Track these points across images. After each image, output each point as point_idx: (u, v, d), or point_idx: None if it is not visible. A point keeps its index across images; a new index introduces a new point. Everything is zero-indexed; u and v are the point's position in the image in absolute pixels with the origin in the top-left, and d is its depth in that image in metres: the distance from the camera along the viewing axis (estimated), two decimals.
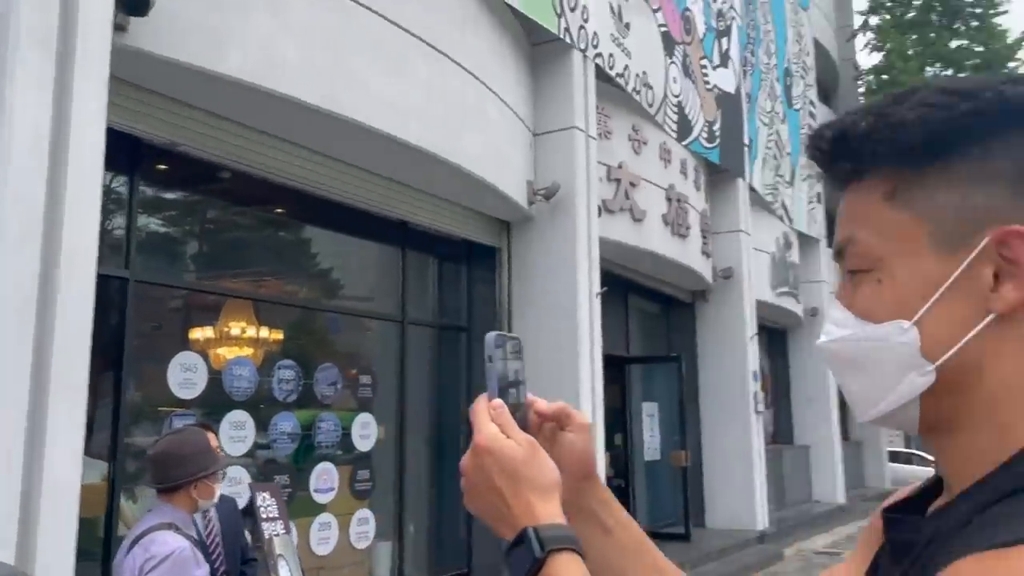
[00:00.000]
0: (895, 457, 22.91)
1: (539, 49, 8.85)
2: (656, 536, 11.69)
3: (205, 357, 5.99)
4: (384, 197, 7.41)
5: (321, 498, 6.80)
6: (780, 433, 17.52)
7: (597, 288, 8.70)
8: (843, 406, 19.80)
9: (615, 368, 12.14)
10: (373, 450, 7.44)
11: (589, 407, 8.29)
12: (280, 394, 6.56)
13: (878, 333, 0.69)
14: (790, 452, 16.86)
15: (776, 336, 17.73)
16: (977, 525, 0.61)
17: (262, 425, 6.39)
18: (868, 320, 0.69)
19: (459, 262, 8.91)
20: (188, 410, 5.71)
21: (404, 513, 7.65)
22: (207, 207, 6.64)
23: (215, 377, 6.01)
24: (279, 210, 7.17)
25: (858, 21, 22.79)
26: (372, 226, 7.77)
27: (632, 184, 10.11)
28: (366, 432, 7.35)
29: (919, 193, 0.68)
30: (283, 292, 7.31)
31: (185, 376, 5.74)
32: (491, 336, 0.85)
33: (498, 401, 0.82)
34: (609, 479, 12.05)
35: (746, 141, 13.91)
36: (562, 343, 8.35)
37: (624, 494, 12.03)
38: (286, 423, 6.56)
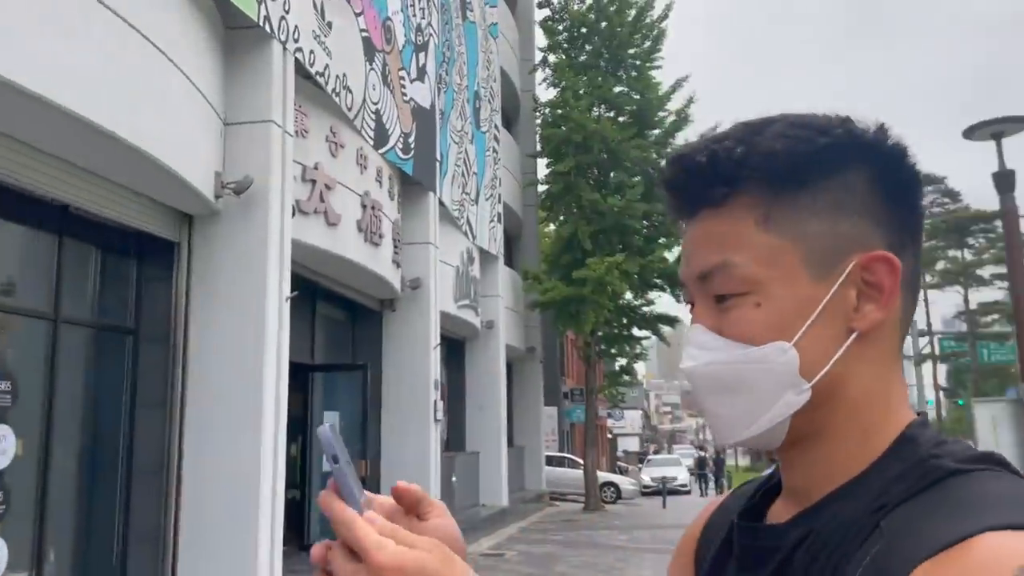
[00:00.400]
0: (550, 461, 24.94)
1: (236, 34, 8.26)
2: None
3: None
4: (41, 175, 6.38)
5: None
6: (453, 440, 18.16)
7: (287, 291, 8.30)
8: (508, 413, 21.13)
9: (299, 376, 11.72)
10: (10, 468, 6.33)
11: (272, 417, 7.86)
12: None
13: (758, 355, 0.70)
14: (462, 458, 17.53)
15: (454, 346, 18.39)
16: (911, 520, 0.63)
17: None
18: (745, 343, 0.70)
19: (129, 255, 7.98)
20: None
21: (45, 539, 6.60)
22: None
23: None
24: None
25: (539, 56, 24.67)
26: (23, 208, 6.66)
27: (328, 187, 9.85)
28: (1, 447, 6.23)
29: (792, 219, 0.71)
30: None
31: None
32: (325, 430, 0.68)
33: (371, 513, 0.65)
34: None
35: (438, 156, 14.29)
36: (247, 348, 7.82)
37: (299, 507, 11.62)
38: None
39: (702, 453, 46.68)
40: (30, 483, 6.61)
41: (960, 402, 45.73)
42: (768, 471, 0.86)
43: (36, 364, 6.83)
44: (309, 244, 9.32)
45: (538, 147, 23.78)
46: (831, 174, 0.71)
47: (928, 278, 50.36)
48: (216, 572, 7.50)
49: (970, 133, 9.39)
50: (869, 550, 0.63)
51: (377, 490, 9.00)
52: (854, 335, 0.70)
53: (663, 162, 0.78)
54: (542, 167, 24.82)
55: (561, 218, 23.38)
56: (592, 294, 20.39)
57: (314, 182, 9.58)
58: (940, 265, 50.41)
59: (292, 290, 8.42)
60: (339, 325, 13.23)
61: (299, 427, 11.73)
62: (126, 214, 7.42)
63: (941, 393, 49.82)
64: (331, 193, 9.92)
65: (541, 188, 24.14)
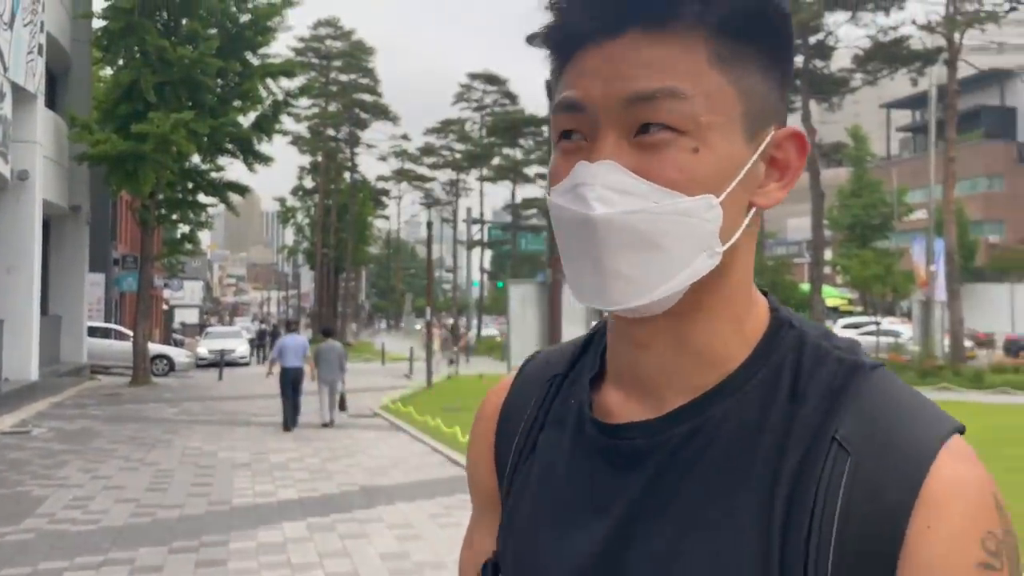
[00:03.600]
0: (93, 332, 22.80)
1: None
2: None
3: None
4: None
5: None
6: None
7: None
8: (45, 278, 18.67)
9: None
10: None
11: None
12: None
13: (685, 206, 0.62)
14: None
15: None
16: (875, 433, 0.61)
17: None
18: (675, 191, 0.62)
19: None
20: None
21: None
22: None
23: None
24: None
25: None
26: None
27: None
28: None
29: (741, 67, 0.63)
30: None
31: None
32: None
33: None
34: None
35: None
36: None
37: None
38: None
39: (263, 326, 46.78)
40: None
41: (500, 284, 52.19)
42: (548, 355, 0.80)
43: None
44: None
45: None
46: (775, 34, 0.65)
47: (484, 171, 55.71)
48: None
49: (531, 40, 10.33)
50: (832, 465, 0.60)
51: None
52: (753, 211, 0.66)
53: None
54: None
55: (120, 62, 20.66)
56: (153, 152, 18.61)
57: None
58: (496, 160, 55.97)
59: None
60: None
61: None
62: None
63: (485, 276, 56.29)
64: None
65: (97, 23, 20.96)
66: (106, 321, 24.88)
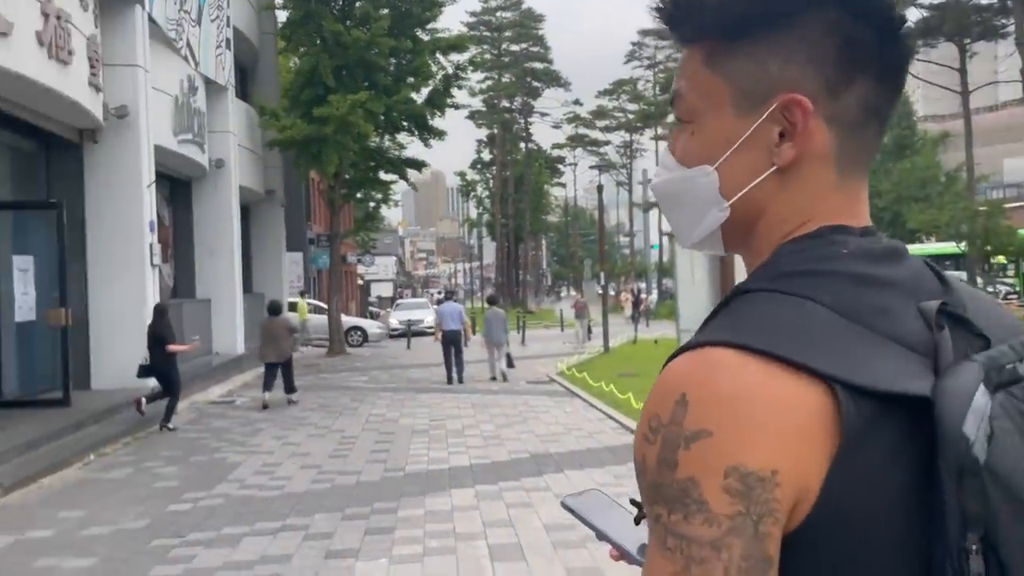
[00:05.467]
0: (293, 308, 24.37)
1: None
2: (32, 404, 10.42)
3: None
4: None
5: None
6: (181, 287, 17.03)
7: None
8: (246, 259, 20.14)
9: None
10: None
11: None
12: None
13: (689, 174, 0.81)
14: (191, 306, 16.53)
15: (179, 186, 16.88)
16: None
17: None
18: (684, 164, 0.82)
19: None
20: None
21: None
22: None
23: None
24: None
25: None
26: None
27: None
28: None
29: (728, 61, 0.78)
30: None
31: None
32: (569, 503, 1.05)
33: None
34: None
35: None
36: None
37: None
38: None
39: (439, 296, 48.44)
40: None
41: None
42: None
43: None
44: None
45: None
46: (769, 22, 0.77)
47: (659, 130, 54.12)
48: None
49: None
50: None
51: (87, 345, 8.19)
52: (772, 168, 0.77)
53: None
54: None
55: (302, 50, 21.75)
56: (335, 134, 19.44)
57: None
58: (670, 118, 54.24)
59: None
60: (27, 157, 11.47)
61: None
62: None
63: (664, 238, 54.97)
64: None
65: (281, 15, 22.15)
66: (306, 298, 26.59)
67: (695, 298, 7.76)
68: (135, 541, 5.62)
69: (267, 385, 12.27)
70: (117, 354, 11.85)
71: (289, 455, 8.70)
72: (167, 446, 9.35)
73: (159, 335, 10.38)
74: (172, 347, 10.41)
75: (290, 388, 12.56)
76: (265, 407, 12.01)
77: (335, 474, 7.69)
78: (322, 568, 4.97)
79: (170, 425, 10.33)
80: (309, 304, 25.69)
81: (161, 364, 10.32)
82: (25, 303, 10.63)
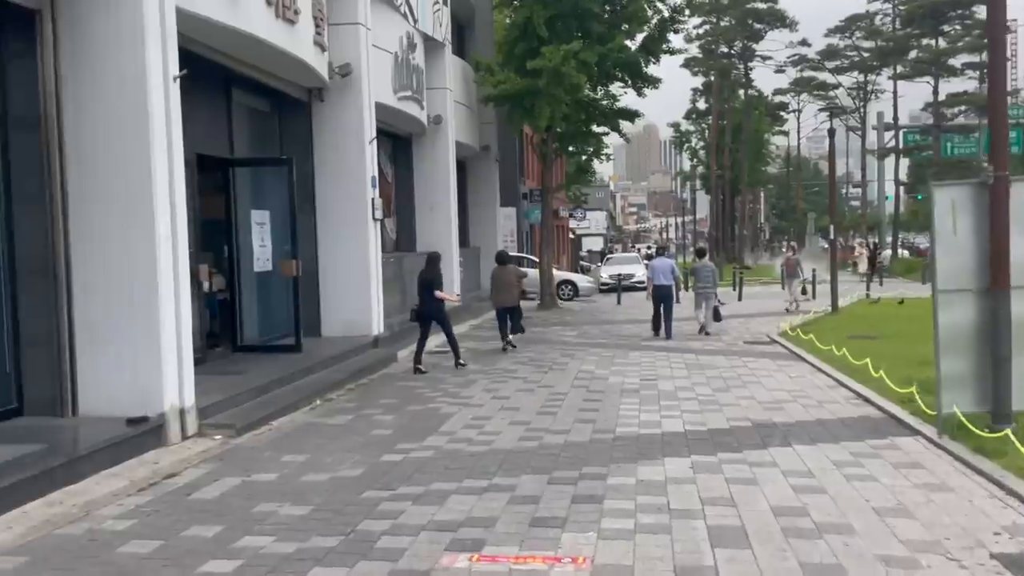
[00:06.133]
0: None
1: None
2: (267, 350, 11.17)
3: None
4: None
5: None
6: (403, 240, 17.66)
7: (175, 70, 7.27)
8: (462, 213, 20.55)
9: (217, 171, 10.86)
10: None
11: (166, 211, 7.11)
12: None
13: None
14: (412, 258, 17.10)
15: (400, 143, 17.41)
16: None
17: None
18: None
19: None
20: None
21: None
22: None
23: None
24: None
25: None
26: None
27: None
28: None
29: None
30: None
31: None
32: None
33: None
34: (213, 294, 11.07)
35: None
36: (128, 135, 6.93)
37: (231, 308, 11.16)
38: None
39: (649, 251, 47.27)
40: None
41: (919, 196, 46.03)
42: None
43: None
44: (201, 15, 8.13)
45: None
46: None
47: (898, 68, 49.02)
48: (119, 374, 7.06)
49: None
50: None
51: (316, 295, 8.51)
52: None
53: None
54: None
55: (516, 3, 21.60)
56: (547, 86, 19.16)
57: None
58: (912, 54, 48.89)
59: (184, 71, 7.38)
60: (262, 117, 12.16)
61: (223, 227, 11.02)
62: None
63: (901, 188, 50.10)
64: None
65: None
66: (519, 251, 26.90)
67: (957, 252, 6.64)
68: (348, 491, 5.69)
69: (505, 329, 13.35)
70: (344, 303, 12.45)
71: (498, 408, 8.63)
72: (386, 394, 9.63)
73: (430, 281, 11.33)
74: (440, 294, 11.46)
75: (517, 329, 13.74)
76: (505, 350, 13.07)
77: (543, 432, 7.49)
78: (527, 536, 4.72)
79: (461, 361, 11.44)
80: (522, 258, 25.97)
81: (431, 308, 11.34)
82: (262, 255, 11.35)
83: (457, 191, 18.69)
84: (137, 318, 7.02)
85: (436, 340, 14.82)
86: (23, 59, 6.91)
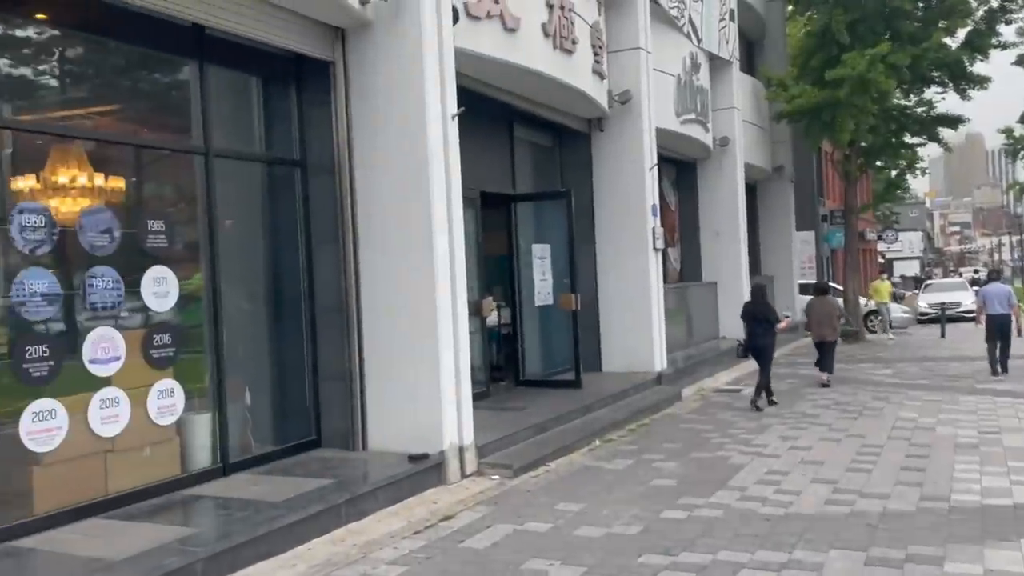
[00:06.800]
0: (805, 290, 22.77)
1: None
2: (547, 385, 11.00)
3: None
4: None
5: (100, 370, 5.57)
6: (687, 270, 16.88)
7: (453, 108, 7.31)
8: (753, 240, 19.25)
9: (500, 208, 10.97)
10: (175, 309, 6.18)
11: (445, 248, 7.11)
12: (25, 245, 5.16)
13: None
14: (697, 289, 16.26)
15: (685, 168, 16.72)
16: None
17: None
18: None
19: (283, 80, 7.36)
20: None
21: (224, 380, 6.51)
22: None
23: None
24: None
25: None
26: (155, 34, 6.16)
27: None
28: (162, 288, 6.05)
29: None
30: (34, 119, 5.76)
31: None
32: None
33: None
34: (498, 327, 11.19)
35: None
36: (407, 174, 7.05)
37: (512, 343, 11.17)
38: (39, 281, 5.20)
39: (975, 275, 41.21)
40: (201, 324, 6.48)
41: None
42: None
43: (190, 202, 6.56)
44: (481, 54, 8.18)
45: None
46: None
47: None
48: (402, 410, 7.15)
49: None
50: None
51: (597, 328, 8.17)
52: None
53: None
54: None
55: (808, 13, 20.00)
56: (850, 96, 17.37)
57: None
58: None
59: (461, 108, 7.41)
60: (543, 151, 12.16)
61: (505, 262, 11.10)
62: (271, 32, 6.72)
63: None
64: None
65: None
66: (818, 278, 24.75)
67: None
68: (623, 553, 5.10)
69: (824, 364, 12.34)
70: (625, 338, 11.98)
71: (798, 462, 7.55)
72: (669, 437, 8.93)
73: (763, 314, 10.77)
74: (781, 326, 10.98)
75: (828, 368, 12.45)
76: (824, 385, 12.13)
77: (855, 495, 6.33)
78: None
79: (759, 404, 10.48)
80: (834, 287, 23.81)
81: (764, 342, 10.74)
82: (543, 288, 11.26)
83: (746, 216, 17.52)
84: (418, 355, 7.08)
85: (727, 376, 13.82)
86: (320, 108, 7.33)
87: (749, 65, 20.07)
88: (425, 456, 6.91)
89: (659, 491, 6.63)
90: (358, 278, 7.31)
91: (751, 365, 15.04)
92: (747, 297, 16.76)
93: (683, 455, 7.98)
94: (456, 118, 7.33)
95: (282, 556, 5.21)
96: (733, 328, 16.62)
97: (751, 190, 19.56)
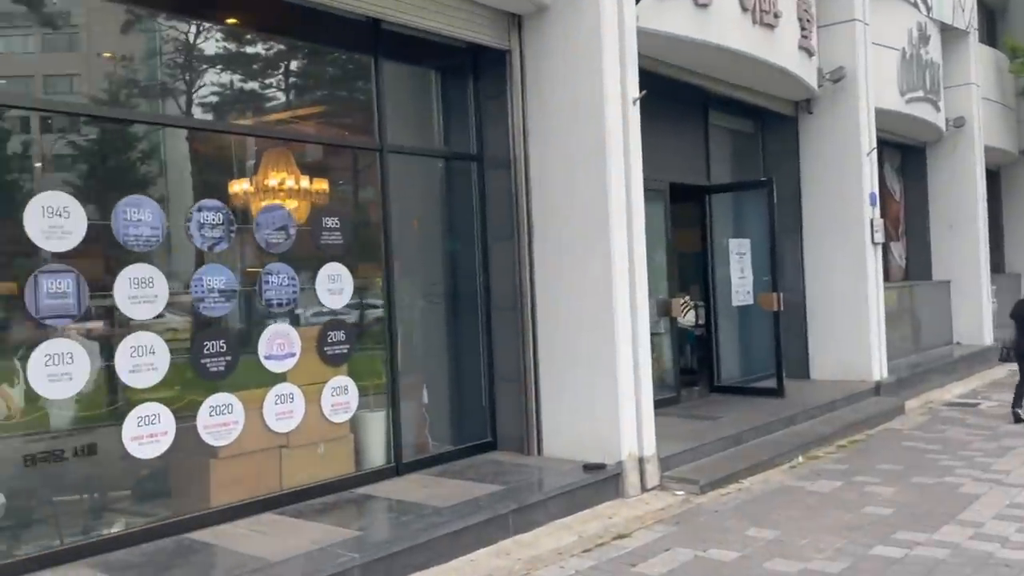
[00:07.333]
0: None
1: None
2: (745, 392, 10.13)
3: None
4: None
5: (275, 366, 5.63)
6: (915, 267, 15.09)
7: (635, 92, 6.78)
8: (995, 233, 16.92)
9: (692, 200, 10.25)
10: (350, 306, 6.16)
11: (623, 241, 6.60)
12: (203, 242, 5.29)
13: None
14: (926, 289, 14.49)
15: (911, 153, 14.96)
16: None
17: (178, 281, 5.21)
18: None
19: (460, 72, 7.18)
20: None
21: (399, 378, 6.41)
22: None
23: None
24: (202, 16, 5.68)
25: None
26: (333, 30, 6.18)
27: None
28: (336, 285, 6.04)
29: None
30: (216, 118, 5.94)
31: None
32: None
33: None
34: (686, 330, 10.51)
35: None
36: (582, 164, 6.62)
37: (706, 346, 10.41)
38: (216, 277, 5.31)
39: None
40: (377, 321, 6.43)
41: None
42: None
43: (367, 198, 6.53)
44: (670, 32, 7.56)
45: None
46: None
47: None
48: (578, 416, 6.73)
49: None
50: None
51: (803, 331, 7.37)
52: None
53: None
54: None
55: None
56: None
57: None
58: None
59: (642, 91, 6.85)
60: (743, 138, 11.23)
61: (699, 259, 10.36)
62: (448, 23, 6.55)
63: None
64: None
65: None
66: None
67: None
68: None
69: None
70: (837, 342, 10.81)
71: None
72: (887, 456, 7.84)
73: None
74: None
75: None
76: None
77: None
78: None
79: (1022, 415, 9.27)
80: None
81: None
82: (742, 287, 10.38)
83: (986, 206, 15.39)
84: (594, 357, 6.63)
85: (960, 388, 12.16)
86: (496, 100, 7.07)
87: (990, 35, 17.68)
88: (602, 466, 6.46)
89: (871, 521, 5.73)
90: (532, 275, 6.98)
91: (992, 375, 13.25)
92: (986, 298, 14.82)
93: (903, 479, 6.92)
94: (638, 103, 6.79)
95: (442, 567, 4.97)
96: (970, 333, 14.71)
97: (992, 176, 17.21)
